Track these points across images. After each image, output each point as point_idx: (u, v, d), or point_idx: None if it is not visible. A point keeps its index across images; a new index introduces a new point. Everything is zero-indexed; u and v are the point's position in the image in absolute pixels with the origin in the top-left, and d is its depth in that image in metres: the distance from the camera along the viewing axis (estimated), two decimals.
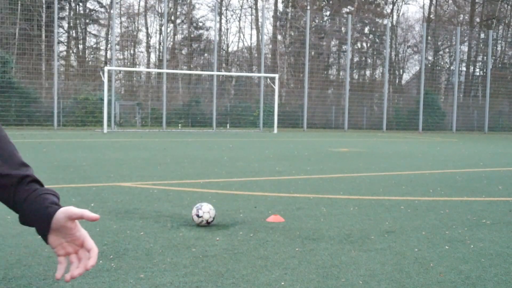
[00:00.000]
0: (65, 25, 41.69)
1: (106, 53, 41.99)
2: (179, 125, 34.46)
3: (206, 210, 5.12)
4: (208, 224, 5.13)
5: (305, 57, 35.79)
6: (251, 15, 47.09)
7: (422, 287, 3.54)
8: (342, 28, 41.77)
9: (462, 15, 49.17)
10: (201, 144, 17.85)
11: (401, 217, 5.85)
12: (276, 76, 31.96)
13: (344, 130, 36.03)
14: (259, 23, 42.62)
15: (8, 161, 1.30)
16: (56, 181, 8.09)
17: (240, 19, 47.26)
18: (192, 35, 43.58)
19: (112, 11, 35.09)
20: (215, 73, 33.45)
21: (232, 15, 48.05)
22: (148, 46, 43.63)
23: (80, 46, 41.85)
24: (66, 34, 41.72)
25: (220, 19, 44.21)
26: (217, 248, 4.38)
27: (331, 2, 46.39)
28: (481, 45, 44.69)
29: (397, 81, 46.30)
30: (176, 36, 43.27)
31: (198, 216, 5.10)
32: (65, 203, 6.51)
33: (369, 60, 45.67)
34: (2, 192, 1.29)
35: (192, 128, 33.92)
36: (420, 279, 3.70)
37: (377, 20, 45.54)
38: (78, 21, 40.96)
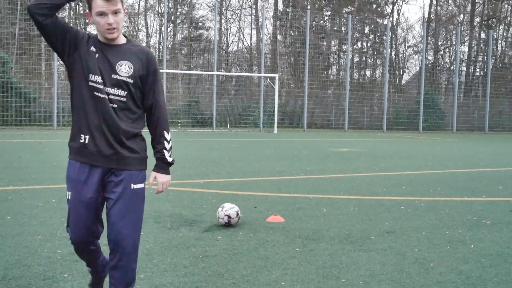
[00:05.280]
0: None
1: None
2: (179, 125, 34.45)
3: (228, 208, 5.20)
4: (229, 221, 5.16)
5: (305, 57, 35.77)
6: (251, 15, 47.07)
7: (422, 287, 3.54)
8: (342, 28, 41.74)
9: (462, 15, 49.16)
10: (201, 144, 17.85)
11: (401, 217, 5.85)
12: (276, 76, 31.93)
13: (344, 130, 36.01)
14: (259, 23, 42.61)
15: None
16: (56, 181, 8.08)
17: (240, 19, 47.21)
18: (192, 35, 43.55)
19: None
20: (215, 73, 33.43)
21: (232, 15, 47.90)
22: (148, 46, 43.64)
23: None
24: None
25: (220, 19, 44.19)
26: (217, 248, 4.38)
27: (331, 2, 46.38)
28: (482, 45, 44.65)
29: (397, 81, 46.26)
30: (176, 36, 43.26)
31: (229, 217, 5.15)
32: (65, 203, 6.43)
33: (369, 60, 45.63)
34: None
35: (192, 128, 33.92)
36: (421, 279, 3.70)
37: (377, 20, 45.51)
38: (78, 21, 40.93)
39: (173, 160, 2.96)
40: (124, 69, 2.75)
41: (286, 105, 37.95)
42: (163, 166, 2.93)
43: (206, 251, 4.30)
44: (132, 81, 2.77)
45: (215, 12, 36.17)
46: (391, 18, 46.59)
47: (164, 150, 2.90)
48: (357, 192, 7.58)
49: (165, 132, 2.90)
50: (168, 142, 2.93)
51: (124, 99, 2.75)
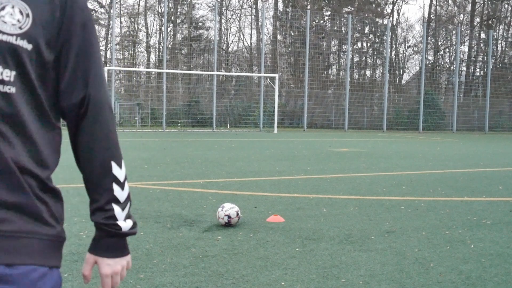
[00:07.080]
0: None
1: (106, 53, 41.98)
2: (178, 125, 34.45)
3: (228, 208, 5.19)
4: (229, 220, 5.15)
5: (305, 57, 35.78)
6: (251, 15, 47.10)
7: (422, 287, 3.54)
8: (342, 28, 41.76)
9: (462, 15, 49.19)
10: (201, 144, 17.85)
11: (401, 217, 5.85)
12: (276, 76, 31.94)
13: (344, 130, 36.02)
14: (259, 23, 42.62)
15: None
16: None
17: (240, 19, 47.23)
18: (192, 35, 43.56)
19: (112, 11, 35.09)
20: (215, 73, 33.44)
21: (232, 15, 47.95)
22: (148, 46, 43.63)
23: None
24: None
25: (220, 19, 44.20)
26: (217, 248, 4.38)
27: (331, 2, 46.37)
28: (482, 45, 44.67)
29: (397, 81, 46.28)
30: (176, 36, 43.26)
31: (229, 217, 5.14)
32: (65, 203, 6.43)
33: (369, 60, 45.65)
34: None
35: (192, 128, 33.92)
36: (421, 279, 3.70)
37: (377, 20, 45.52)
38: None
39: (133, 226, 1.33)
40: (10, 17, 1.11)
41: (286, 105, 37.96)
42: (111, 242, 1.33)
43: (206, 251, 4.30)
44: (30, 47, 1.13)
45: (215, 12, 36.17)
46: (391, 18, 46.61)
47: (114, 206, 1.30)
48: (357, 192, 7.58)
49: (113, 163, 1.30)
50: (122, 185, 1.30)
51: (12, 91, 1.13)
